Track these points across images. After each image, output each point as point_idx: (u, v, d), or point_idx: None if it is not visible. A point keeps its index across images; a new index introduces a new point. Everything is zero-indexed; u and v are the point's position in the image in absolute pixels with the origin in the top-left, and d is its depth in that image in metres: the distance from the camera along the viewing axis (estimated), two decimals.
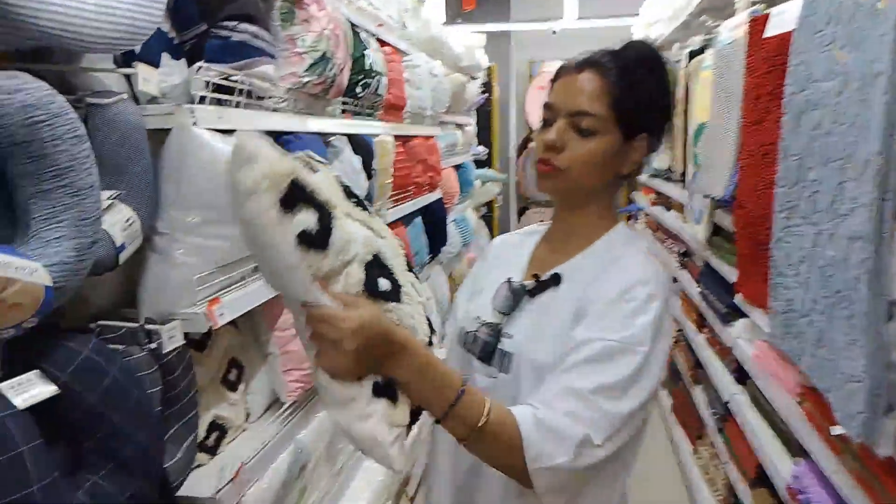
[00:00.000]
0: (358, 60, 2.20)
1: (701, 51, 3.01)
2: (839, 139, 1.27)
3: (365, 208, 0.96)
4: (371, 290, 0.87)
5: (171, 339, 1.26)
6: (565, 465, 0.90)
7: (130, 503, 1.00)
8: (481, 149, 5.38)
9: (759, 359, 2.04)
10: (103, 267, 1.18)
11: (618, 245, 1.12)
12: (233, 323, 1.62)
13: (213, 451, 1.59)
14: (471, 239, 4.36)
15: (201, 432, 1.56)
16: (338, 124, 2.08)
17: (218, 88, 1.47)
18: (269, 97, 1.65)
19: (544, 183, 1.12)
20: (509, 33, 7.04)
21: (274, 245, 0.81)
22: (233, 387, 1.69)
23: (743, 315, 2.24)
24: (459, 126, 4.46)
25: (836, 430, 1.34)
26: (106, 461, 0.99)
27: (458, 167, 4.30)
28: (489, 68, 5.98)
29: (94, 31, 1.09)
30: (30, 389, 0.89)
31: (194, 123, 1.32)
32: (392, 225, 2.77)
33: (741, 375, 2.41)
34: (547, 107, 1.11)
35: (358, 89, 2.24)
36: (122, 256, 1.22)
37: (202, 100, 1.43)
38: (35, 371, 0.92)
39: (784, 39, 1.63)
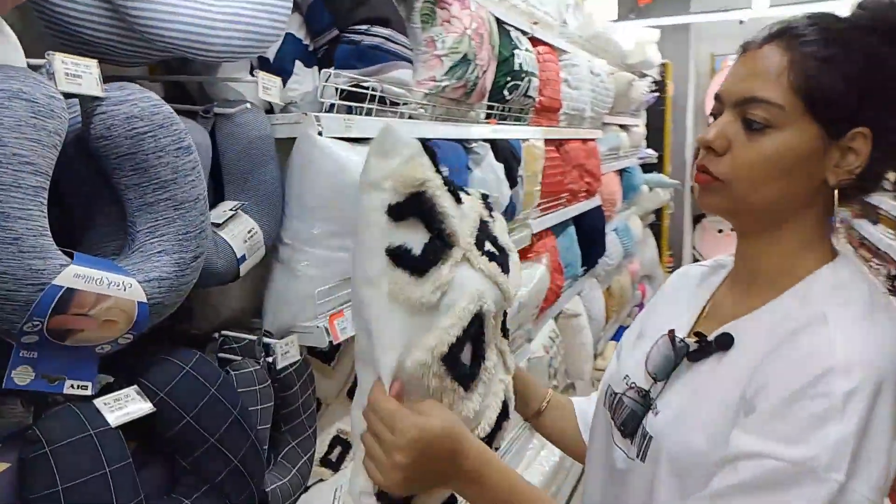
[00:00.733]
0: (506, 61, 2.08)
1: None
2: None
3: (498, 262, 0.84)
4: (451, 363, 0.75)
5: (286, 354, 1.22)
6: None
7: None
8: (650, 152, 5.00)
9: None
10: (224, 278, 1.17)
11: (822, 296, 0.77)
12: None
13: (336, 466, 1.55)
14: (633, 250, 4.05)
15: (323, 447, 1.53)
16: (480, 130, 1.97)
17: (350, 96, 1.42)
18: (404, 103, 1.59)
19: (703, 199, 0.83)
20: (689, 26, 6.51)
21: (365, 247, 0.76)
22: None
23: None
24: (624, 127, 4.16)
25: None
26: (201, 482, 0.96)
27: (621, 172, 4.01)
28: (663, 65, 5.55)
29: (219, 40, 1.08)
30: (126, 406, 0.88)
31: (320, 132, 1.27)
32: (540, 235, 2.61)
33: None
34: (716, 98, 0.84)
35: (505, 92, 2.11)
36: (244, 268, 1.20)
37: (332, 108, 1.39)
38: (133, 387, 0.91)
39: None
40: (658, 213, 5.64)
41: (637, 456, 0.84)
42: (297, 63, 1.38)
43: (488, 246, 0.84)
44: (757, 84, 0.78)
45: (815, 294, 0.78)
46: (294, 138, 1.30)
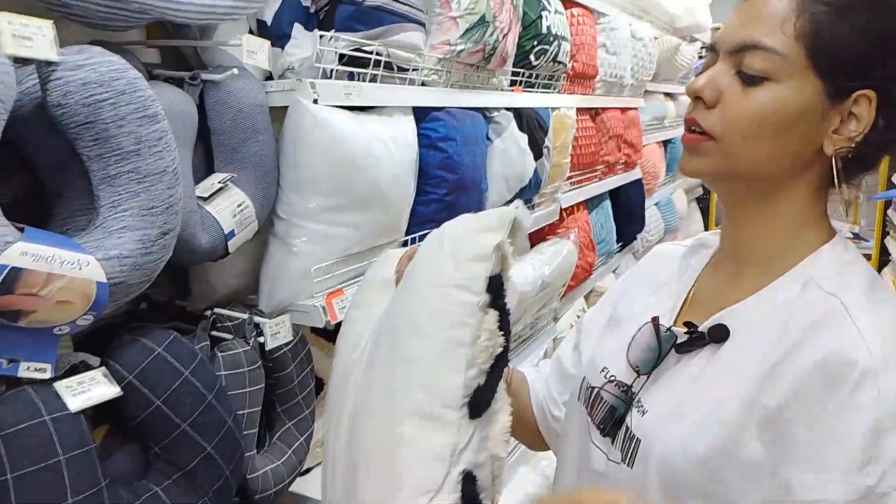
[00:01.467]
0: (532, 24, 1.95)
1: None
2: None
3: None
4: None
5: (276, 335, 1.17)
6: None
7: None
8: None
9: None
10: (211, 254, 1.12)
11: (828, 279, 0.69)
12: None
13: None
14: (676, 225, 3.88)
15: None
16: (501, 98, 1.86)
17: (352, 61, 1.34)
18: (414, 69, 1.49)
19: (688, 161, 0.74)
20: None
21: (434, 323, 0.65)
22: None
23: None
24: (670, 96, 3.95)
25: None
26: (173, 469, 0.92)
27: (665, 143, 3.82)
28: (716, 28, 5.25)
29: (198, 1, 1.01)
30: (90, 390, 0.84)
31: (315, 100, 1.20)
32: (571, 209, 2.50)
33: None
34: (710, 48, 0.75)
35: (532, 57, 1.99)
36: (233, 243, 1.15)
37: (332, 74, 1.31)
38: (100, 369, 0.86)
39: None
40: (706, 187, 5.40)
41: (622, 460, 0.75)
42: (297, 26, 1.30)
43: None
44: (758, 29, 0.68)
45: (821, 278, 0.69)
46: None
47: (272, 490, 1.16)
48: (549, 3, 2.03)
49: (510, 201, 1.96)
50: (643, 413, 0.75)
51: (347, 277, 1.37)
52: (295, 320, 1.25)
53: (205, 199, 1.11)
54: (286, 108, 1.22)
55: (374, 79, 1.38)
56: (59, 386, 0.82)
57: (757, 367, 0.67)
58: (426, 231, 1.57)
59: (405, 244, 1.54)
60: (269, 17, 1.28)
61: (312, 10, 1.34)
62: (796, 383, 0.63)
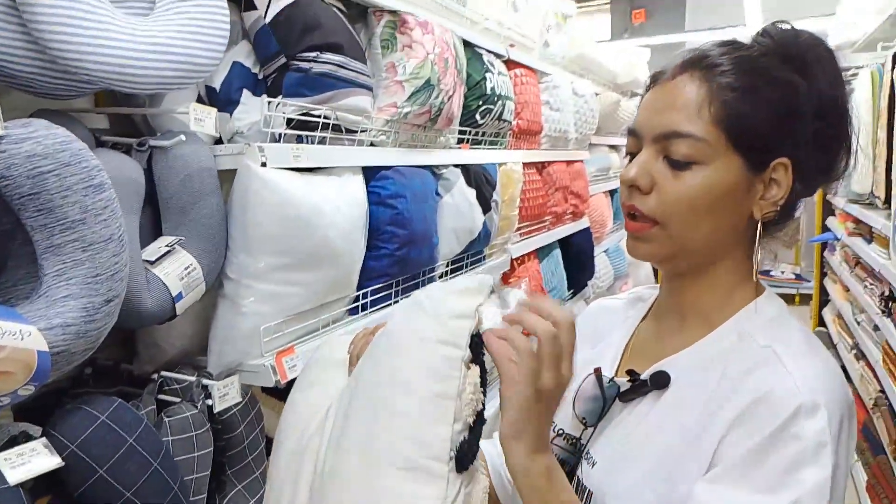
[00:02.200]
0: (477, 85, 2.04)
1: None
2: None
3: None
4: None
5: (225, 396, 1.17)
6: None
7: None
8: None
9: None
10: (158, 317, 1.12)
11: (760, 331, 0.74)
12: None
13: None
14: (625, 270, 3.99)
15: None
16: (449, 155, 1.93)
17: (302, 124, 1.38)
18: (362, 130, 1.54)
19: (636, 247, 0.78)
20: (684, 44, 6.49)
21: (413, 378, 0.66)
22: None
23: None
24: (614, 147, 4.12)
25: None
26: None
27: (612, 192, 3.96)
28: None
29: (147, 72, 1.04)
30: (30, 461, 0.83)
31: (264, 163, 1.23)
32: (522, 259, 2.56)
33: None
34: (631, 133, 0.79)
35: (477, 116, 2.07)
36: (181, 306, 1.16)
37: (281, 137, 1.35)
38: (41, 440, 0.85)
39: None
40: None
41: None
42: (245, 92, 1.34)
43: None
44: (678, 117, 0.73)
45: (753, 329, 0.75)
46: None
47: None
48: (492, 66, 2.13)
49: (461, 254, 2.02)
50: (592, 464, 0.78)
51: (298, 335, 1.38)
52: (244, 380, 1.25)
53: (152, 262, 1.12)
54: (235, 171, 1.25)
55: (322, 141, 1.43)
56: (0, 458, 0.80)
57: (699, 413, 0.71)
58: (378, 285, 1.59)
59: (356, 299, 1.56)
60: (217, 84, 1.32)
61: (260, 77, 1.39)
62: (733, 419, 0.68)
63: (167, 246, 1.15)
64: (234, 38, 1.33)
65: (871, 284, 3.08)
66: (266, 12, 1.33)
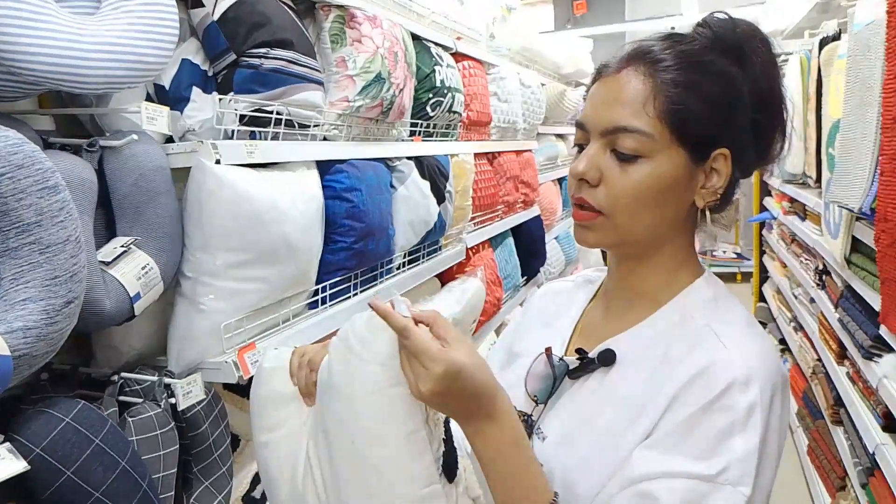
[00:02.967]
0: (427, 78, 2.06)
1: (837, 37, 2.61)
2: None
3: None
4: None
5: (188, 394, 1.17)
6: None
7: None
8: None
9: None
10: (116, 318, 1.12)
11: (700, 310, 0.79)
12: None
13: (260, 503, 1.50)
14: (575, 256, 4.09)
15: (245, 484, 1.48)
16: (402, 148, 1.95)
17: (254, 120, 1.38)
18: (315, 125, 1.55)
19: (584, 235, 0.81)
20: (624, 34, 6.67)
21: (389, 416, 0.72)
22: None
23: (891, 349, 1.84)
24: (561, 136, 4.21)
25: None
26: None
27: (560, 181, 4.05)
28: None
29: (94, 72, 1.03)
30: None
31: (218, 160, 1.23)
32: (476, 248, 2.61)
33: (890, 422, 1.98)
34: (579, 126, 0.82)
35: (428, 108, 2.10)
36: (139, 306, 1.15)
37: (233, 134, 1.35)
38: (5, 444, 0.85)
39: None
40: None
41: None
42: (195, 89, 1.33)
43: None
44: (623, 113, 0.76)
45: (694, 308, 0.80)
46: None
47: None
48: (441, 58, 2.16)
49: (418, 245, 2.05)
50: (543, 439, 0.82)
51: (259, 331, 1.39)
52: (207, 378, 1.25)
53: (107, 263, 1.11)
54: (189, 168, 1.24)
55: (275, 136, 1.43)
56: None
57: (643, 388, 0.76)
58: (336, 279, 1.61)
59: (315, 293, 1.57)
60: (167, 82, 1.31)
61: (210, 74, 1.38)
62: (673, 394, 0.73)
63: (122, 246, 1.14)
64: (182, 36, 1.32)
65: (807, 259, 3.24)
66: (214, 9, 1.32)
